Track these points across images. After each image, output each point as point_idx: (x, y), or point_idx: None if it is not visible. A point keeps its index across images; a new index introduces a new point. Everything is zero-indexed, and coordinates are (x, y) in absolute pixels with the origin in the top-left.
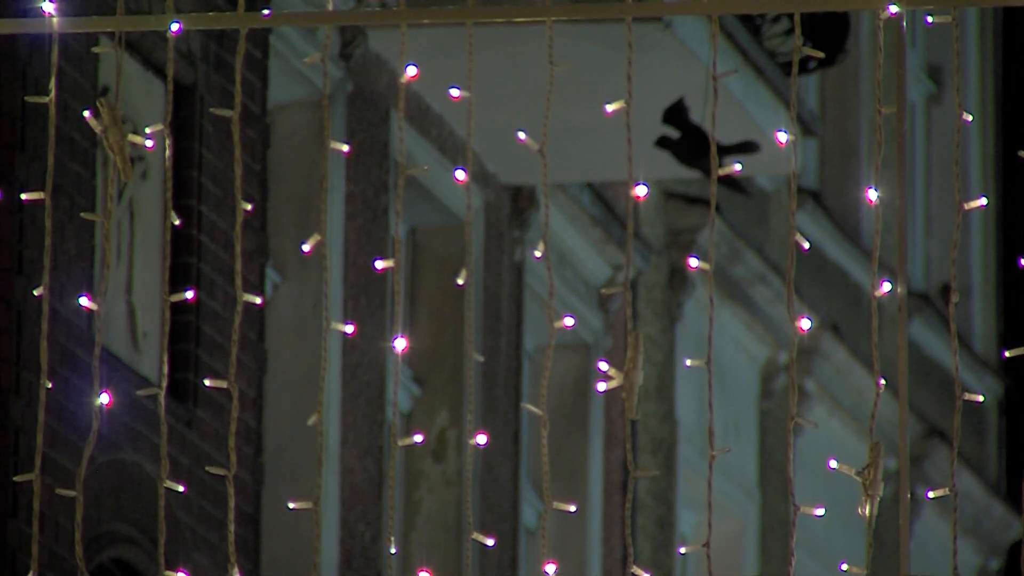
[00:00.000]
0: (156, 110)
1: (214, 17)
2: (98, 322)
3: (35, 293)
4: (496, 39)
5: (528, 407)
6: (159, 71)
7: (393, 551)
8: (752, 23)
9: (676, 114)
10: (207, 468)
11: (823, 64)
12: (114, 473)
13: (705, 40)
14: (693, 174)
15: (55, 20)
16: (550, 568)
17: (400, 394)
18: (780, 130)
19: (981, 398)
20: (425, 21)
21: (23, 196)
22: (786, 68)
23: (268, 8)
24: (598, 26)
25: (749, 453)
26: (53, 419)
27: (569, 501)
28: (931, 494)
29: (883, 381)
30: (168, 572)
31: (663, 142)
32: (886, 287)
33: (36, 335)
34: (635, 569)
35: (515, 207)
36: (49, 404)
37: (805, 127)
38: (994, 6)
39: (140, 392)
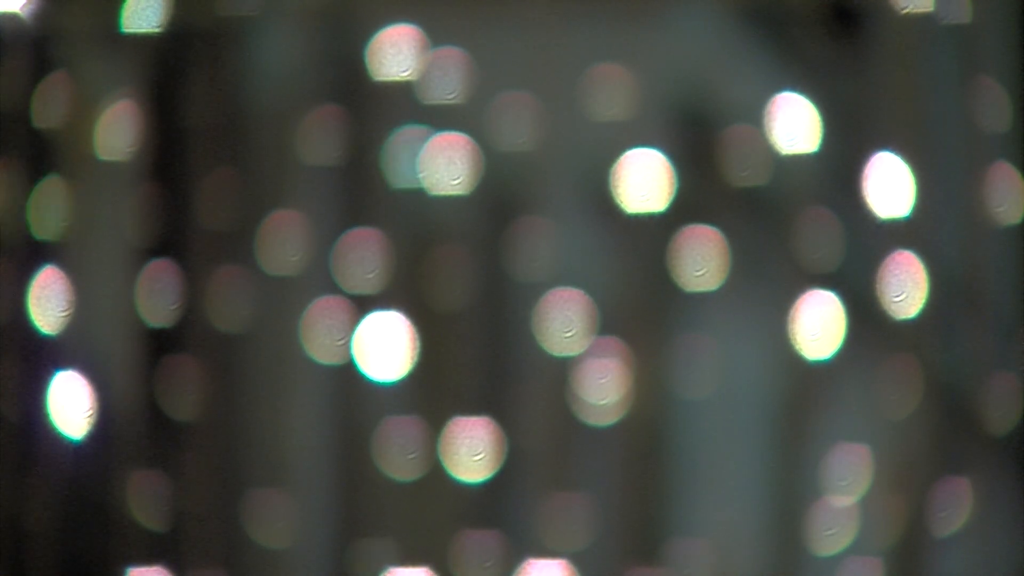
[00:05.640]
0: (125, 115)
1: (192, 8)
2: (70, 340)
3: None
4: (491, 36)
5: (522, 415)
6: (132, 74)
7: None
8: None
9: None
10: (186, 499)
11: (841, 59)
12: (87, 504)
13: (715, 24)
14: (695, 174)
15: (22, 14)
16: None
17: (391, 407)
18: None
19: (1001, 420)
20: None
21: None
22: (802, 60)
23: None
24: (598, 8)
25: (755, 474)
26: (23, 445)
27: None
28: (950, 521)
29: (899, 399)
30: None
31: (671, 143)
32: (902, 298)
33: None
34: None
35: (511, 209)
36: (18, 429)
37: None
38: None
39: (116, 417)
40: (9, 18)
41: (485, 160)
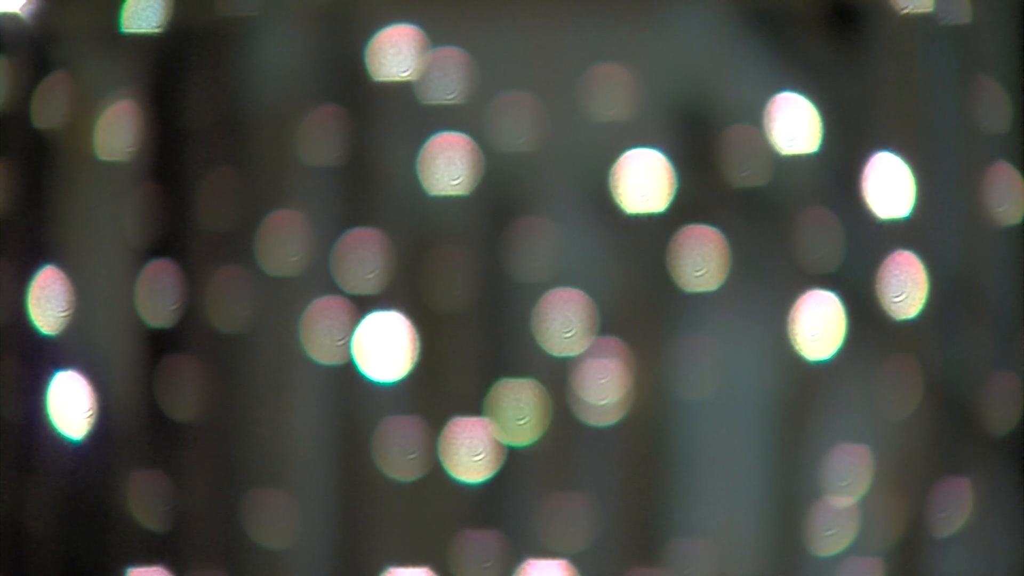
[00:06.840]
0: (125, 115)
1: (192, 8)
2: (70, 340)
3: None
4: (491, 36)
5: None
6: (132, 74)
7: None
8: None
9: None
10: (187, 498)
11: (841, 59)
12: (87, 504)
13: (715, 24)
14: (695, 174)
15: (22, 14)
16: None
17: (391, 407)
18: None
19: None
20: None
21: None
22: (802, 60)
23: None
24: (598, 8)
25: (755, 475)
26: (23, 445)
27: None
28: (950, 521)
29: (899, 399)
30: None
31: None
32: (902, 299)
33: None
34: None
35: (511, 209)
36: (18, 429)
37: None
38: None
39: (116, 417)
40: (9, 18)
41: (485, 160)
